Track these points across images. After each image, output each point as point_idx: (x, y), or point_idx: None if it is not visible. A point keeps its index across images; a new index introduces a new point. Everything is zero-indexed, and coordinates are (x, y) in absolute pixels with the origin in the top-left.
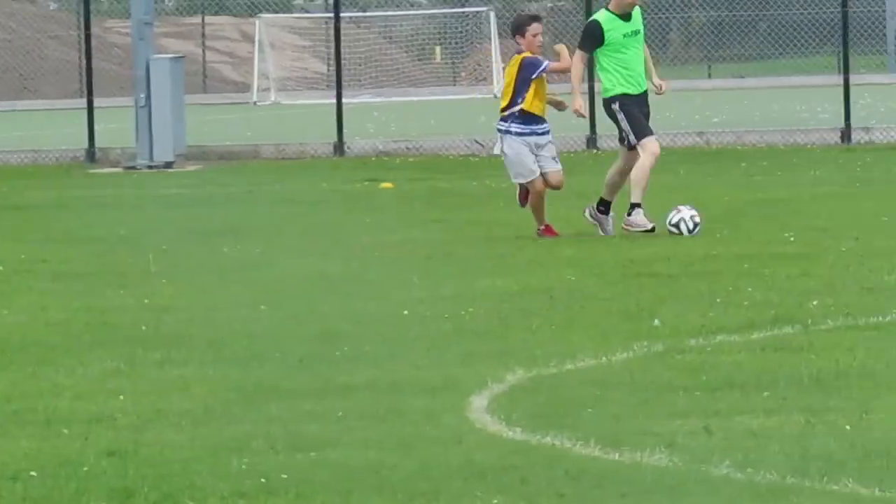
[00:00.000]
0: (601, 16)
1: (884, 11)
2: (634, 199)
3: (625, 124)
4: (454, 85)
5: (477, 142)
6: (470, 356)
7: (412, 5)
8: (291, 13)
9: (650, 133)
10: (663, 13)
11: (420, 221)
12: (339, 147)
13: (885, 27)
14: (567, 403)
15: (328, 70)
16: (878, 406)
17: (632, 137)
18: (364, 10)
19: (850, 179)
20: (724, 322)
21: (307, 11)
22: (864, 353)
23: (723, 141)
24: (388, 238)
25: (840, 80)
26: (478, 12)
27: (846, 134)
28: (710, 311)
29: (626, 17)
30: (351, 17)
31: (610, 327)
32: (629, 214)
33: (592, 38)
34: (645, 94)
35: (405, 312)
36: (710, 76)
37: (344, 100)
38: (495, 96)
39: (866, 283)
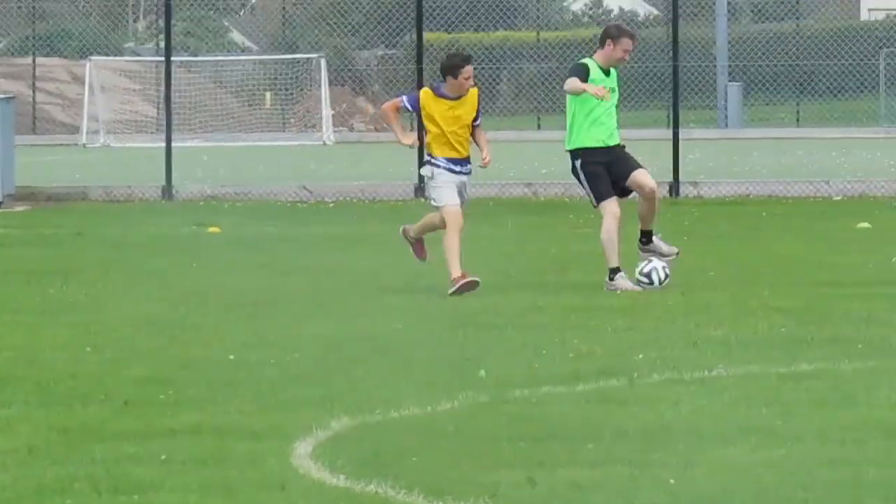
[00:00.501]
0: (590, 61)
1: (714, 66)
2: (612, 265)
3: (586, 186)
4: (284, 131)
5: (305, 188)
6: (295, 402)
7: (243, 51)
8: (122, 56)
9: (609, 195)
10: (494, 64)
11: (247, 267)
12: (167, 191)
13: (715, 82)
14: (392, 452)
15: (158, 113)
16: (702, 460)
17: (593, 200)
18: (195, 55)
19: (678, 233)
20: (549, 373)
21: (138, 55)
22: (689, 407)
23: (550, 193)
24: (215, 283)
25: (670, 133)
26: (308, 59)
27: (674, 188)
28: (535, 363)
29: (607, 71)
30: (182, 62)
31: (435, 377)
32: (611, 279)
33: (580, 74)
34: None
35: (231, 357)
36: (539, 128)
37: (173, 143)
38: (324, 143)
39: (692, 338)
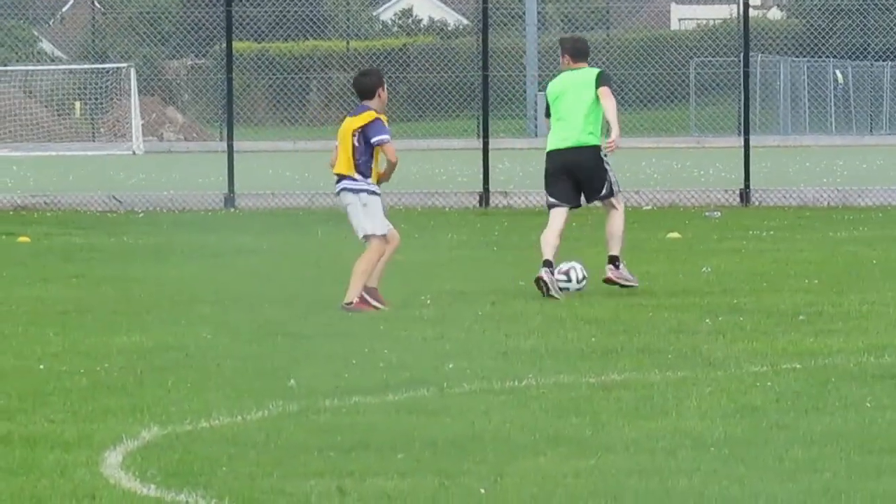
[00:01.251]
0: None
1: (524, 76)
2: (547, 257)
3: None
4: (94, 140)
5: (115, 198)
6: (105, 412)
7: (52, 60)
8: None
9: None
10: (303, 73)
11: (56, 276)
12: None
13: (525, 92)
14: (202, 461)
15: None
16: (512, 470)
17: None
18: (4, 65)
19: (488, 243)
20: (359, 383)
21: None
22: (500, 417)
23: None
24: (24, 292)
25: (480, 143)
26: (118, 68)
27: (484, 198)
28: (345, 372)
29: None
30: None
31: (245, 386)
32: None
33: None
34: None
35: (41, 367)
36: None
37: None
38: (133, 152)
39: (502, 348)
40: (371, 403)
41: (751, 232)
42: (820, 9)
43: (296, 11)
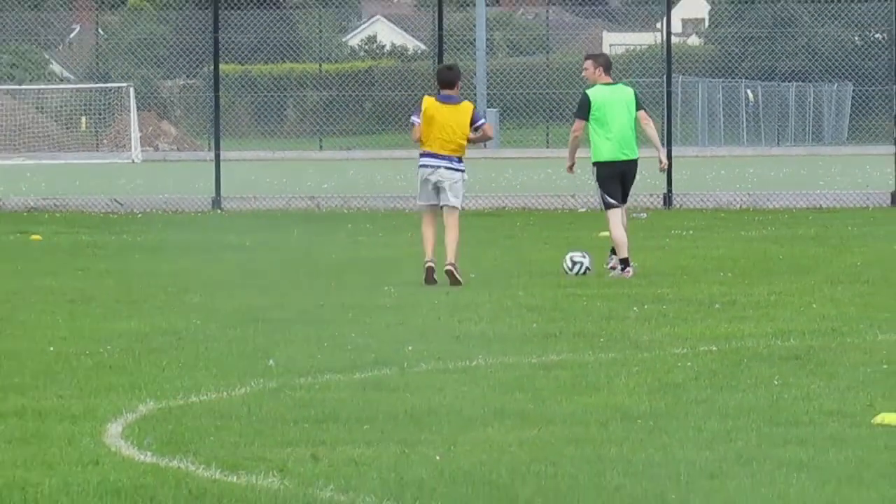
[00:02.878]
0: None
1: (475, 94)
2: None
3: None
4: (97, 150)
5: (116, 201)
6: (107, 388)
7: (61, 80)
8: None
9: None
10: (281, 92)
11: (65, 269)
12: None
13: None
14: (192, 431)
15: None
16: (464, 439)
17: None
18: (20, 84)
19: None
20: (330, 363)
21: None
22: (453, 393)
23: (332, 205)
24: (37, 283)
25: None
26: (119, 87)
27: None
28: (318, 354)
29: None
30: (7, 90)
31: (230, 366)
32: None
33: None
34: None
35: (51, 349)
36: (321, 148)
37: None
38: (133, 161)
39: (455, 332)
40: (340, 381)
41: (673, 231)
42: (733, 36)
43: (275, 38)
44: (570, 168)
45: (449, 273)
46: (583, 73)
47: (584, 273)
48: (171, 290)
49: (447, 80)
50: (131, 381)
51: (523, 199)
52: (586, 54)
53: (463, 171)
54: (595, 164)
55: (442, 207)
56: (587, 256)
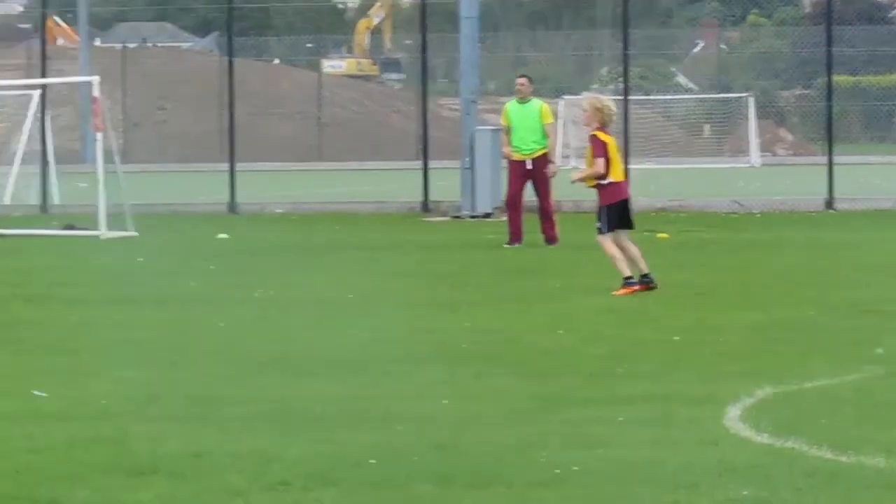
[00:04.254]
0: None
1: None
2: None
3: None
4: (719, 155)
5: (737, 202)
6: (728, 375)
7: (686, 91)
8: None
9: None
10: (890, 101)
11: (689, 265)
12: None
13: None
14: (805, 415)
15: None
16: None
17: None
18: (648, 94)
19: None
20: None
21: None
22: None
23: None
24: (664, 278)
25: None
26: (739, 97)
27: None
28: None
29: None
30: (637, 100)
31: (841, 354)
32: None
33: None
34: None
35: (676, 338)
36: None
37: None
38: (752, 165)
39: None
40: None
41: None
42: None
43: (884, 51)
44: None
45: None
46: None
47: None
48: (786, 284)
49: None
50: (750, 368)
51: None
52: None
53: None
54: None
55: None
56: None
